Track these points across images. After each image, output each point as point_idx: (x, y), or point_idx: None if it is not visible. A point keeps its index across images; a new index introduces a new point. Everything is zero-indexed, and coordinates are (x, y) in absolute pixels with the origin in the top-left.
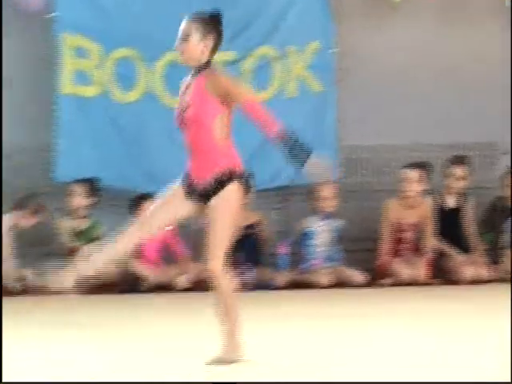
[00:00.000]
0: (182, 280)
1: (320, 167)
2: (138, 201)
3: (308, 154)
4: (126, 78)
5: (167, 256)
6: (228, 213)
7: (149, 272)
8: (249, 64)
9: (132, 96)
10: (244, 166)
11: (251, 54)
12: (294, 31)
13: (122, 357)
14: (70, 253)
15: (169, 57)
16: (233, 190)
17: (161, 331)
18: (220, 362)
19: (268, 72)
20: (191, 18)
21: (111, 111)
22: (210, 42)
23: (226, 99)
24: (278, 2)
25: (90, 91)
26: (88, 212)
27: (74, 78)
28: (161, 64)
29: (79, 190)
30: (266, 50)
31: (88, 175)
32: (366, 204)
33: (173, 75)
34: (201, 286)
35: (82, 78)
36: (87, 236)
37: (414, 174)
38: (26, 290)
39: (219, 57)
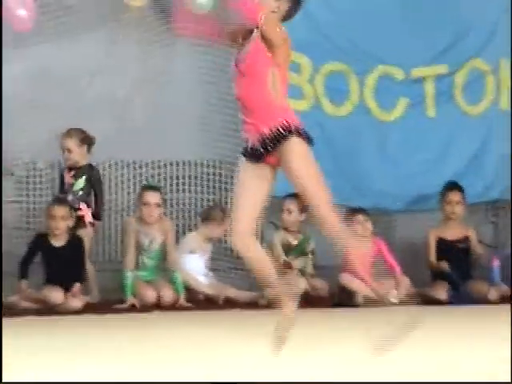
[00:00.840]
0: (393, 294)
1: None
2: (349, 214)
3: None
4: (337, 92)
5: (380, 270)
6: (303, 161)
7: (360, 286)
8: (461, 77)
9: (344, 110)
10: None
11: (463, 66)
12: (506, 42)
13: (336, 369)
14: (285, 267)
15: (381, 70)
16: (296, 144)
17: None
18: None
19: (481, 85)
20: None
21: (323, 125)
22: (284, 7)
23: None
24: (492, 13)
25: (301, 105)
26: (300, 226)
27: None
28: (373, 77)
29: (292, 205)
30: (477, 62)
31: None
32: None
33: (384, 88)
34: (411, 301)
35: (293, 91)
36: (299, 250)
37: None
38: (229, 303)
39: (432, 70)
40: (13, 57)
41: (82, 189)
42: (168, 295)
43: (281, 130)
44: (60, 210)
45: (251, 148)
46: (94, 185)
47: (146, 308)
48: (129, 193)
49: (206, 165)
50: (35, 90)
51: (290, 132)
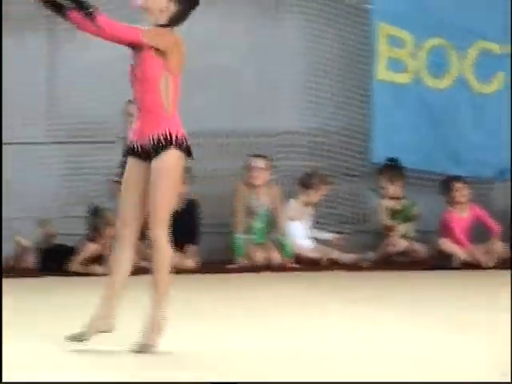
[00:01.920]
0: (488, 259)
1: None
2: (447, 183)
3: None
4: (438, 66)
5: (477, 235)
6: (168, 178)
7: (457, 250)
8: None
9: (444, 83)
10: (185, 134)
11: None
12: None
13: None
14: (387, 231)
15: (480, 45)
16: (172, 156)
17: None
18: (141, 349)
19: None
20: None
21: (424, 97)
22: (173, 8)
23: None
24: None
25: (403, 78)
26: (403, 193)
27: (388, 65)
28: (472, 52)
29: (383, 181)
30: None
31: (401, 158)
32: None
33: (483, 63)
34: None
35: (395, 65)
36: (404, 215)
37: None
38: (333, 265)
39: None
40: None
41: None
42: (276, 257)
43: (162, 139)
44: None
45: (138, 148)
46: None
47: (255, 268)
48: (235, 160)
49: (311, 134)
50: None
51: (171, 143)
